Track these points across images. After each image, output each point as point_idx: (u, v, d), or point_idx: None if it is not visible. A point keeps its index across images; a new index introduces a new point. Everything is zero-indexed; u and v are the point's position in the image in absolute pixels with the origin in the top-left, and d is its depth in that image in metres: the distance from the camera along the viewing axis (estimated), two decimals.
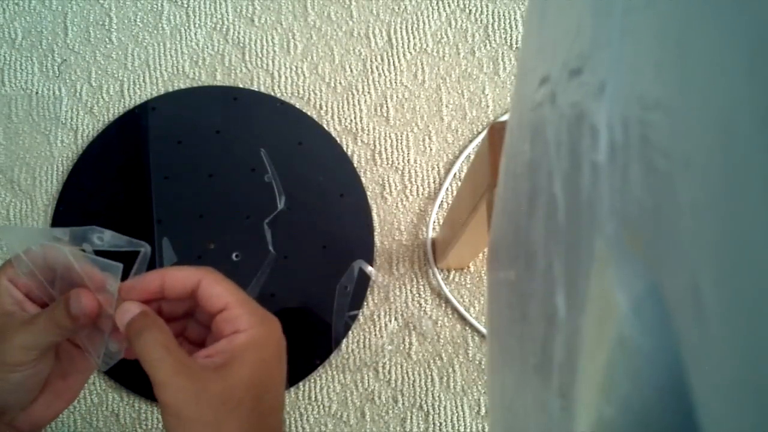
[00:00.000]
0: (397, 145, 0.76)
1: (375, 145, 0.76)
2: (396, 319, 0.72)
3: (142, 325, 0.35)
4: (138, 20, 0.80)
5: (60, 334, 0.37)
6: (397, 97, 0.77)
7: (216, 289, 0.37)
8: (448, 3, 0.80)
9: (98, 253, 0.37)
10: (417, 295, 0.73)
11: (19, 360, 0.36)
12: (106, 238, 0.36)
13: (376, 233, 0.74)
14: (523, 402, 0.27)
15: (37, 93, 0.78)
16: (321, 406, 0.71)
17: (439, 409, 0.71)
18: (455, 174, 0.75)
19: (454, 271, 0.73)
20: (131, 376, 0.70)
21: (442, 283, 0.72)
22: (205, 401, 0.34)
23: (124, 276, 0.37)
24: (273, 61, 0.78)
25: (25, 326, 0.36)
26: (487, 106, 0.77)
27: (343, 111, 0.77)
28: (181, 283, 0.37)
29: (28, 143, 0.77)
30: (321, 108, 0.77)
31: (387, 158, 0.76)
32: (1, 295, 0.37)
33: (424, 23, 0.79)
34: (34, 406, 0.39)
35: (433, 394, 0.71)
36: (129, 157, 0.76)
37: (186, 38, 0.79)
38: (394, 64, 0.78)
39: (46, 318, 0.36)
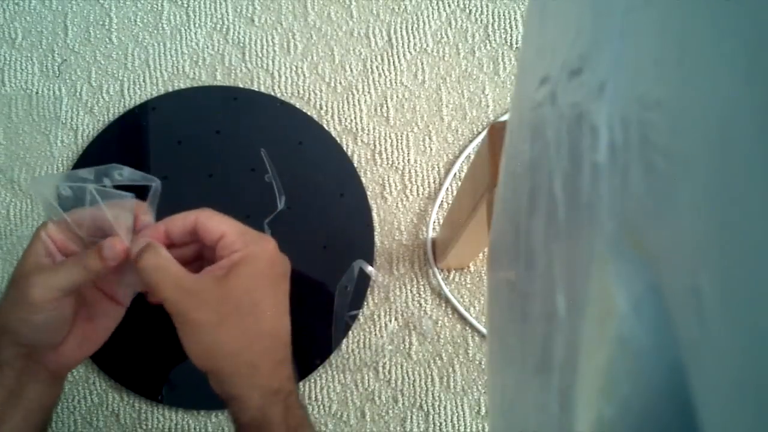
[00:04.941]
0: (397, 145, 0.76)
1: (375, 145, 0.76)
2: (396, 319, 0.72)
3: (142, 251, 0.40)
4: (138, 20, 0.80)
5: (85, 276, 0.40)
6: (397, 97, 0.77)
7: (211, 221, 0.41)
8: (448, 3, 0.80)
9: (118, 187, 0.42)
10: (417, 295, 0.73)
11: (41, 298, 0.39)
12: (125, 173, 0.41)
13: (376, 233, 0.74)
14: (523, 402, 0.27)
15: (37, 93, 0.78)
16: (321, 406, 0.71)
17: (439, 409, 0.71)
18: (455, 174, 0.75)
19: (454, 271, 0.73)
20: (131, 376, 0.70)
21: (442, 283, 0.72)
22: (206, 305, 0.39)
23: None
24: (273, 61, 0.78)
25: (50, 268, 0.40)
26: (487, 106, 0.77)
27: (343, 111, 0.77)
28: (180, 224, 0.42)
29: (28, 143, 0.77)
30: (321, 108, 0.77)
31: (387, 158, 0.76)
32: (37, 247, 0.41)
33: (424, 23, 0.79)
34: (63, 347, 0.43)
35: (433, 394, 0.71)
36: (129, 157, 0.76)
37: (186, 38, 0.79)
38: (394, 64, 0.78)
39: (74, 260, 0.40)
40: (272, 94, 0.78)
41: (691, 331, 0.15)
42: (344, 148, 0.76)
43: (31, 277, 0.39)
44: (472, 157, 0.75)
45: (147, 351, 0.70)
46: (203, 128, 0.76)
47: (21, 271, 0.40)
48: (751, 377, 0.12)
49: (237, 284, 0.40)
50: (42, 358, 0.43)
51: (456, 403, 0.71)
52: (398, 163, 0.76)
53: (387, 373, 0.71)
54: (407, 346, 0.72)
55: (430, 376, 0.71)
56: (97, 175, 0.40)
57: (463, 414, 0.71)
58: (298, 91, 0.78)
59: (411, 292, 0.73)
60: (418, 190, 0.75)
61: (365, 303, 0.72)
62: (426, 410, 0.71)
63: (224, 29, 0.80)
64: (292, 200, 0.74)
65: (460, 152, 0.76)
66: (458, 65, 0.78)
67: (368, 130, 0.77)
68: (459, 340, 0.72)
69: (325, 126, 0.77)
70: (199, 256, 0.45)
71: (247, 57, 0.79)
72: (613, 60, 0.18)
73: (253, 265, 0.41)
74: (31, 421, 0.43)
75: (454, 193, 0.75)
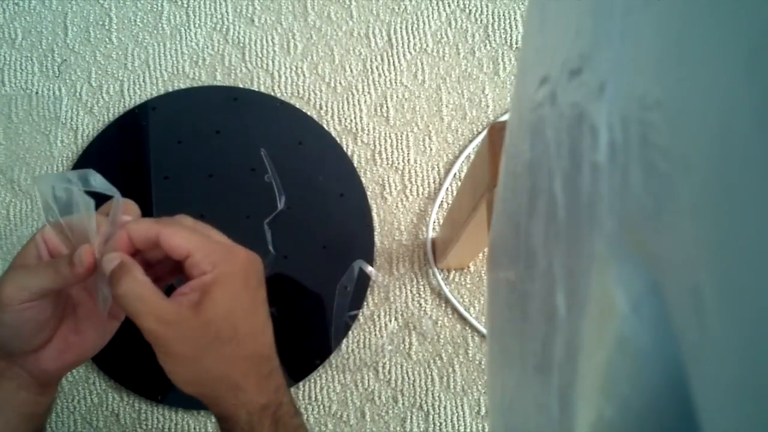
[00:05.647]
0: (397, 145, 0.76)
1: (375, 145, 0.76)
2: (396, 319, 0.72)
3: (118, 275, 0.38)
4: (138, 20, 0.80)
5: (55, 281, 0.39)
6: (397, 97, 0.77)
7: (174, 240, 0.39)
8: (448, 3, 0.80)
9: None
10: (417, 295, 0.73)
11: (9, 297, 0.38)
12: (98, 181, 0.39)
13: (376, 233, 0.74)
14: (523, 402, 0.27)
15: (37, 93, 0.78)
16: (321, 406, 0.71)
17: (439, 409, 0.71)
18: (455, 174, 0.75)
19: (454, 271, 0.73)
20: (131, 376, 0.70)
21: (442, 283, 0.72)
22: (186, 338, 0.39)
23: None
24: (273, 61, 0.78)
25: (27, 269, 0.39)
26: (487, 106, 0.77)
27: (343, 111, 0.77)
28: (144, 235, 0.40)
29: (28, 143, 0.77)
30: (321, 108, 0.77)
31: (387, 158, 0.76)
32: (29, 248, 0.40)
33: (424, 23, 0.79)
34: (42, 354, 0.42)
35: (433, 394, 0.71)
36: (129, 157, 0.76)
37: (186, 38, 0.79)
38: (394, 64, 0.78)
39: (48, 264, 0.39)
40: (272, 94, 0.78)
41: (691, 332, 0.15)
42: (344, 148, 0.76)
43: (9, 275, 0.39)
44: (472, 157, 0.75)
45: (147, 351, 0.70)
46: (203, 128, 0.76)
47: (7, 269, 0.40)
48: (751, 377, 0.12)
49: (214, 313, 0.39)
50: (23, 363, 0.42)
51: (456, 403, 0.71)
52: (398, 163, 0.76)
53: (387, 373, 0.71)
54: (407, 346, 0.72)
55: (430, 376, 0.71)
56: (78, 178, 0.40)
57: (463, 414, 0.71)
58: (298, 91, 0.78)
59: (411, 292, 0.73)
60: (418, 190, 0.75)
61: (365, 303, 0.72)
62: (426, 410, 0.71)
63: (224, 29, 0.80)
64: (292, 200, 0.74)
65: (460, 152, 0.76)
66: (458, 65, 0.78)
67: (368, 130, 0.77)
68: (459, 340, 0.72)
69: (325, 126, 0.77)
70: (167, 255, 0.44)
71: (247, 57, 0.79)
72: (613, 60, 0.18)
73: (225, 287, 0.39)
74: (17, 429, 0.42)
75: (454, 193, 0.75)
